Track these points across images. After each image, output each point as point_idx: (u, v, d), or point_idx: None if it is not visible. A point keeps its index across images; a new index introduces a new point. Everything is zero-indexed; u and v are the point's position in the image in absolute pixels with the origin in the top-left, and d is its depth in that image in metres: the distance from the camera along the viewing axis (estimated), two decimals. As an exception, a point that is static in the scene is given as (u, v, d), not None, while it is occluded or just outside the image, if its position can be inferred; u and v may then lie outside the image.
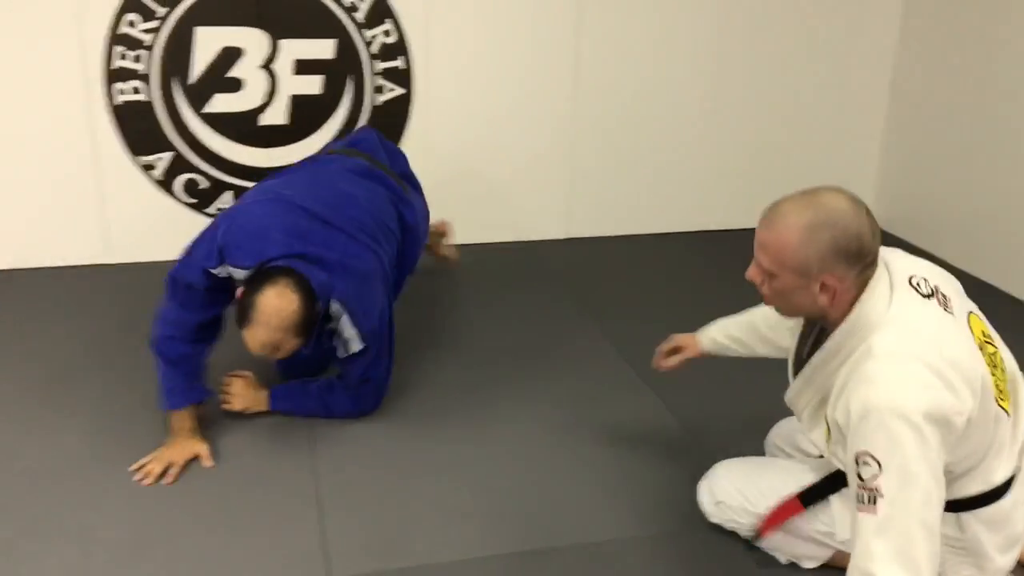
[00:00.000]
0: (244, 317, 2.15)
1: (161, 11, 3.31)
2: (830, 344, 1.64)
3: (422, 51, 3.61)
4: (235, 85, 3.47)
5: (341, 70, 3.55)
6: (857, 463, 1.51)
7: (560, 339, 3.08)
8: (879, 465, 1.48)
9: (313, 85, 3.55)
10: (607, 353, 2.99)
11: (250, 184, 3.57)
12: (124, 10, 3.28)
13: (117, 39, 3.31)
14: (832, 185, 1.63)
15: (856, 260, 1.57)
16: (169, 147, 3.49)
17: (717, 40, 3.90)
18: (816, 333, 1.77)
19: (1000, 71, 3.55)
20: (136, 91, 3.40)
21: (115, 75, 3.36)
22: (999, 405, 1.63)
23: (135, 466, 2.26)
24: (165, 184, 3.53)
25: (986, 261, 3.66)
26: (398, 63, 3.60)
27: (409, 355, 2.84)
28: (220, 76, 3.45)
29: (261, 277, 2.17)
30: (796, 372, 1.79)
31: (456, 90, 3.70)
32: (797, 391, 1.77)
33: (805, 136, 4.15)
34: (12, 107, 3.31)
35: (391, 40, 3.56)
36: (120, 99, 3.39)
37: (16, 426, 2.46)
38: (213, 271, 2.28)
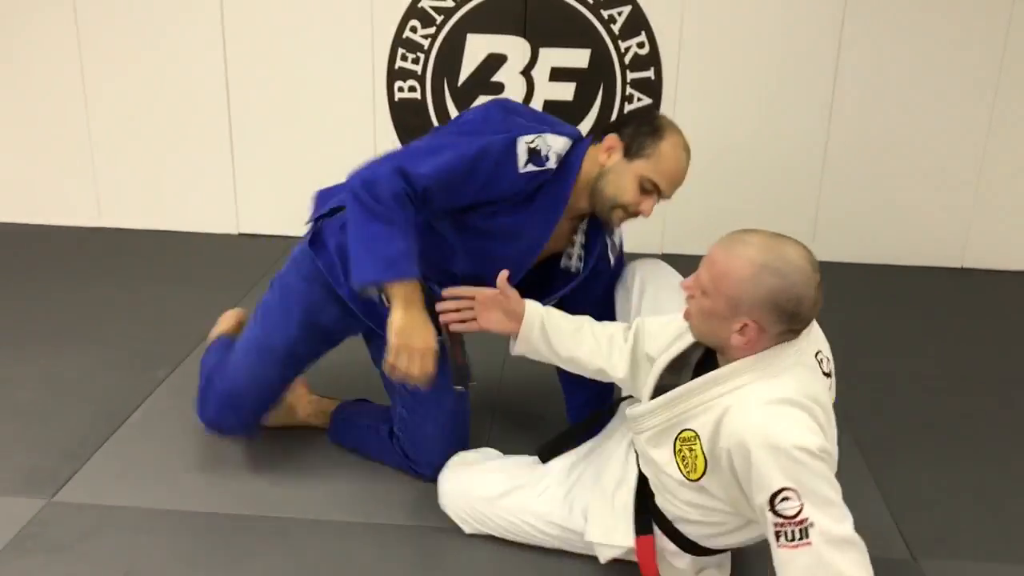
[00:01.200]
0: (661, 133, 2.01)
1: (439, 18, 3.73)
2: (724, 372, 1.62)
3: (673, 63, 3.73)
4: (497, 88, 3.81)
5: (594, 78, 3.77)
6: (774, 501, 1.49)
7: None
8: (799, 498, 1.47)
9: (567, 91, 3.80)
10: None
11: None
12: (408, 16, 3.73)
13: (401, 42, 3.78)
14: (802, 243, 1.61)
15: (786, 320, 1.58)
16: (436, 141, 3.90)
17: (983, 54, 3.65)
18: (698, 360, 1.76)
19: None
20: (412, 89, 3.84)
21: (396, 74, 3.83)
22: None
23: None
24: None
25: None
26: (649, 74, 3.75)
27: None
28: (484, 80, 3.80)
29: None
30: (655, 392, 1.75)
31: (702, 103, 3.77)
32: (654, 409, 1.71)
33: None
34: (313, 96, 3.87)
35: (644, 52, 3.72)
36: (399, 96, 3.86)
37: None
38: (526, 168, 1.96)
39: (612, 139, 2.03)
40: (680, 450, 1.68)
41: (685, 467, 1.67)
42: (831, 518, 1.48)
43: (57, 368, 2.83)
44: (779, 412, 1.53)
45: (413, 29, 3.75)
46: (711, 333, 1.66)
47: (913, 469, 2.42)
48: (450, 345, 1.99)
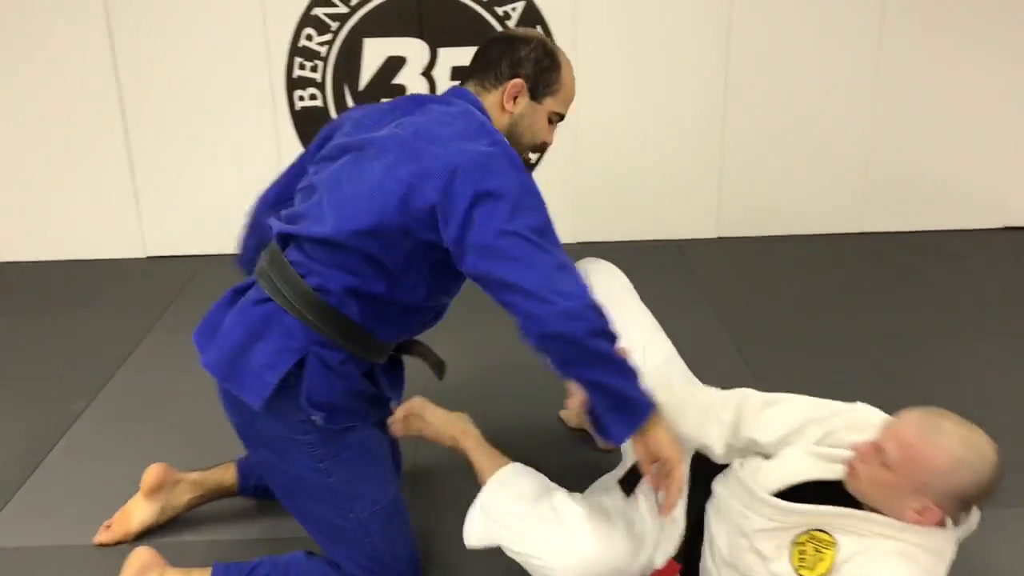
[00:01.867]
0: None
1: (334, 25, 3.70)
2: (895, 524, 1.60)
3: (570, 55, 3.77)
4: (399, 90, 3.80)
5: (494, 75, 3.80)
6: None
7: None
8: None
9: (468, 90, 3.82)
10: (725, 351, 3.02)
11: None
12: (302, 25, 3.70)
13: (297, 51, 3.74)
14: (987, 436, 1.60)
15: (965, 507, 1.60)
16: (341, 147, 3.88)
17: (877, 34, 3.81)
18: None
19: None
20: (313, 97, 3.82)
21: (296, 83, 3.79)
22: None
23: None
24: (337, 181, 3.93)
25: None
26: (548, 67, 3.79)
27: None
28: (386, 83, 3.80)
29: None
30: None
31: (602, 92, 3.83)
32: (804, 511, 1.66)
33: (980, 131, 3.95)
34: (211, 110, 3.81)
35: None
36: (300, 104, 3.83)
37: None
38: None
39: (517, 84, 1.89)
40: (803, 544, 1.64)
41: (801, 562, 1.63)
42: None
43: (-34, 411, 2.74)
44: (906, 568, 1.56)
45: (309, 37, 3.72)
46: (882, 501, 1.62)
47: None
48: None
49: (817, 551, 1.61)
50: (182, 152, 3.87)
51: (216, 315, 1.87)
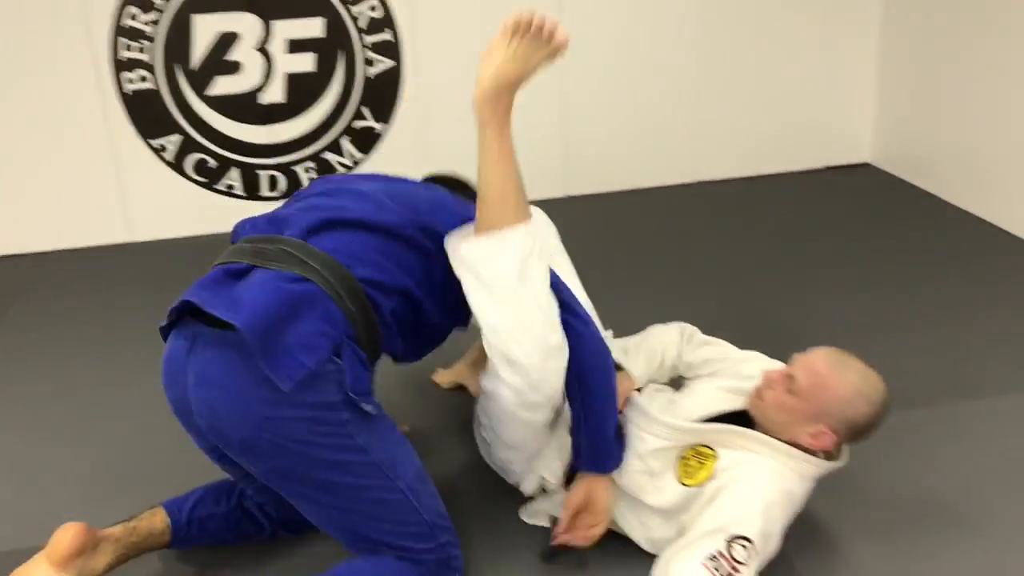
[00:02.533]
0: None
1: (159, 2, 3.56)
2: (779, 446, 1.78)
3: (408, 23, 3.78)
4: (234, 67, 3.70)
5: (332, 46, 3.75)
6: (733, 541, 1.65)
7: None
8: (754, 554, 1.66)
9: (306, 63, 3.76)
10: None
11: (255, 160, 3.83)
12: (125, 3, 3.54)
13: (121, 31, 3.57)
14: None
15: (853, 437, 1.81)
16: (178, 130, 3.74)
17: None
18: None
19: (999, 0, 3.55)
20: (143, 79, 3.66)
21: (123, 65, 3.62)
22: None
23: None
24: (176, 165, 3.79)
25: (985, 200, 3.67)
26: (387, 36, 3.78)
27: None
28: (219, 60, 3.69)
29: None
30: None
31: (445, 57, 3.85)
32: (700, 430, 1.84)
33: (801, 76, 4.19)
34: (31, 99, 3.60)
35: (377, 14, 3.74)
36: (129, 87, 3.66)
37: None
38: None
39: None
40: (688, 458, 1.81)
41: (685, 472, 1.80)
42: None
43: None
44: (782, 499, 1.73)
45: (133, 16, 3.55)
46: (779, 424, 1.81)
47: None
48: None
49: (700, 463, 1.80)
50: (10, 147, 3.64)
51: (222, 286, 1.66)
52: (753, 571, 1.67)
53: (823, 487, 1.86)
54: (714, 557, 1.64)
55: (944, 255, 3.38)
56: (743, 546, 1.65)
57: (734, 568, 1.63)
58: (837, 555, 1.91)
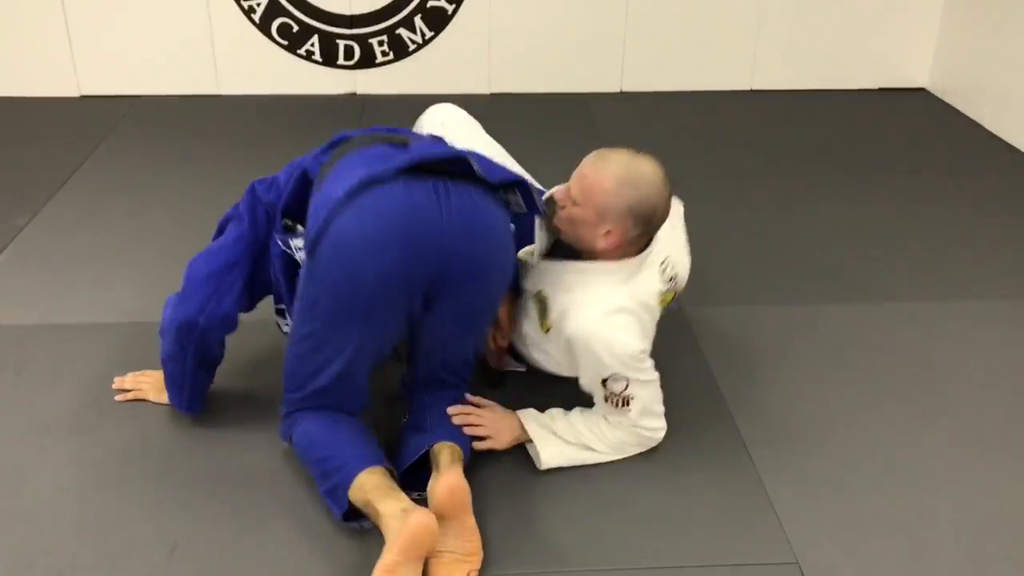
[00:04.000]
0: None
1: None
2: (588, 265, 1.97)
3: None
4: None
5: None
6: (605, 382, 1.92)
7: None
8: (626, 380, 1.90)
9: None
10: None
11: (334, 30, 4.13)
12: None
13: None
14: (653, 157, 1.92)
15: (642, 226, 1.90)
16: (267, -8, 4.08)
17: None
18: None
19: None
20: (240, -58, 3.98)
21: (221, -72, 3.95)
22: None
23: None
24: (263, 26, 4.12)
25: None
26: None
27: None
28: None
29: None
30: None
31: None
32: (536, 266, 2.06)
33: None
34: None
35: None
36: (226, -50, 3.99)
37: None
38: None
39: None
40: (534, 306, 2.04)
41: (540, 318, 2.03)
42: (648, 395, 1.93)
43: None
44: (613, 322, 1.90)
45: None
46: (580, 237, 1.94)
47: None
48: None
49: (541, 311, 2.02)
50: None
51: (409, 152, 1.85)
52: (646, 376, 1.92)
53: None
54: (606, 399, 1.93)
55: (970, 176, 3.53)
56: (615, 379, 1.90)
57: (623, 400, 1.92)
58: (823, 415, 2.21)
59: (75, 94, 4.18)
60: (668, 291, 2.05)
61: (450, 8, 4.13)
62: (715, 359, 2.36)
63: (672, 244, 2.06)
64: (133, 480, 1.93)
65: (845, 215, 3.18)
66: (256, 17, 4.10)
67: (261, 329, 2.27)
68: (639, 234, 1.92)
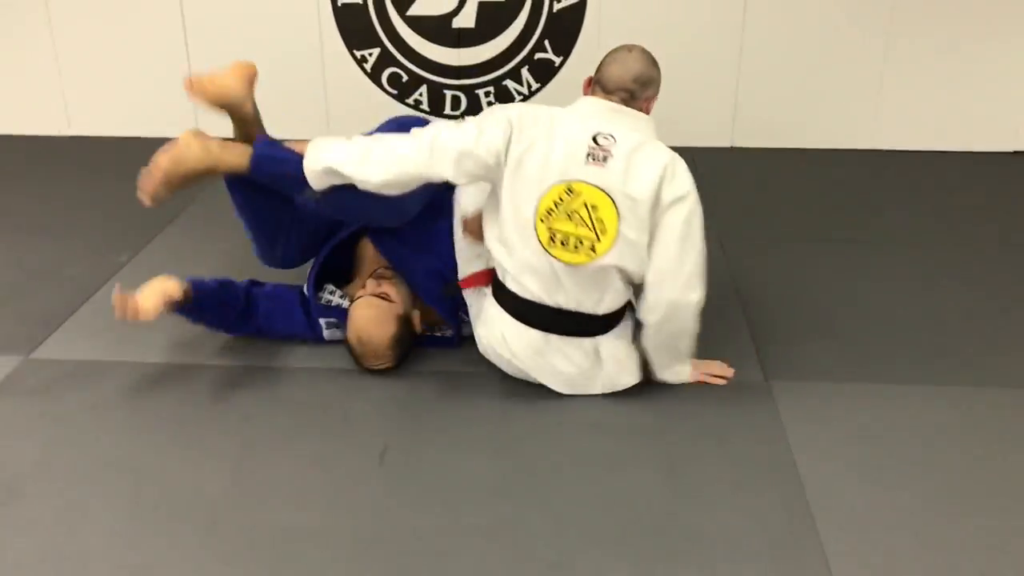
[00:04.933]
0: None
1: (376, -75, 3.95)
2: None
3: (597, -38, 3.98)
4: (434, -12, 4.06)
5: (524, -23, 4.02)
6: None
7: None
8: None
9: (500, -10, 4.05)
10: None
11: (442, 80, 4.17)
12: (346, -76, 3.96)
13: (340, -51, 4.01)
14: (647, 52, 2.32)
15: (597, 81, 2.28)
16: (379, 44, 4.15)
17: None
18: None
19: None
20: (354, -6, 4.09)
21: (338, -20, 4.07)
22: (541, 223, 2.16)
23: None
24: (374, 76, 4.20)
25: None
26: (575, -28, 4.00)
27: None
28: (421, -21, 4.06)
29: None
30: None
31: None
32: None
33: (995, 58, 4.02)
34: (257, 4, 4.12)
35: (569, -48, 3.96)
36: (341, 1, 4.09)
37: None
38: None
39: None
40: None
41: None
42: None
43: (30, 255, 3.14)
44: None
45: (351, -64, 3.97)
46: None
47: (779, 307, 2.78)
48: None
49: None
50: (232, 44, 4.18)
51: None
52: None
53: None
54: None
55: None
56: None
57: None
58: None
59: (194, 136, 4.36)
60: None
61: (557, 60, 4.11)
62: (798, 438, 2.19)
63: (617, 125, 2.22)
64: (183, 530, 1.92)
65: (968, 290, 2.95)
66: (368, 67, 4.19)
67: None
68: (596, 86, 2.28)
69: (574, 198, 2.12)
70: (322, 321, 2.54)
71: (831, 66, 4.08)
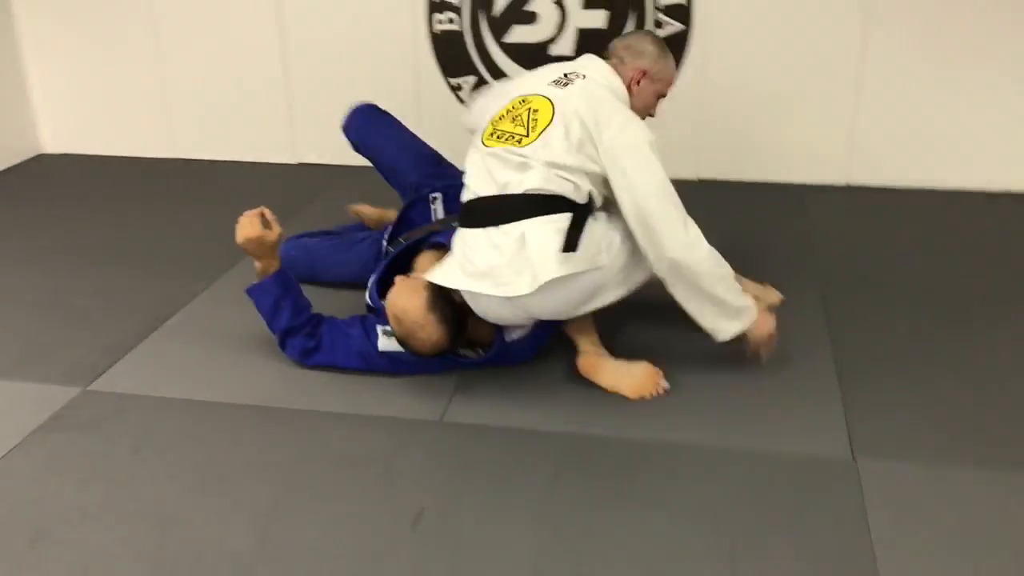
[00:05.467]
0: None
1: (474, -51, 3.86)
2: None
3: (704, -14, 3.76)
4: (531, 18, 3.91)
5: (625, 5, 3.83)
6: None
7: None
8: None
9: (599, 19, 3.87)
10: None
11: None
12: (443, -51, 3.88)
13: (438, -25, 3.93)
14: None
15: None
16: (474, 71, 4.04)
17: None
18: None
19: None
20: (451, 21, 3.99)
21: (435, 6, 3.98)
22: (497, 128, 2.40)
23: None
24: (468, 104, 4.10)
25: None
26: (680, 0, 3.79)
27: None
28: (519, 9, 3.91)
29: None
30: None
31: (736, 28, 3.78)
32: None
33: None
34: (355, 30, 4.09)
35: (675, -24, 3.76)
36: (438, 28, 4.01)
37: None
38: None
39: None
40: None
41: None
42: None
43: (110, 280, 3.17)
44: None
45: (449, -38, 3.89)
46: None
47: (880, 372, 2.49)
48: None
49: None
50: (331, 69, 4.17)
51: None
52: None
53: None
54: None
55: None
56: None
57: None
58: None
59: (292, 161, 4.37)
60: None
61: (659, 90, 3.91)
62: (883, 530, 1.92)
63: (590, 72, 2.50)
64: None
65: None
66: (462, 94, 4.09)
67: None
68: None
69: (523, 106, 2.38)
70: (379, 329, 2.48)
71: (960, 100, 3.73)
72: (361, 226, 3.30)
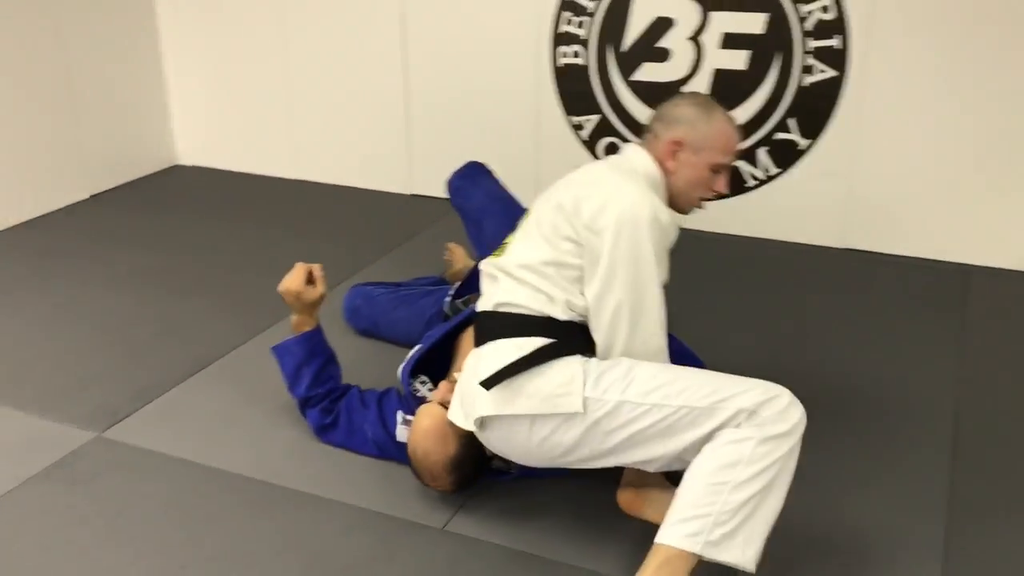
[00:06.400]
0: None
1: (604, -21, 3.51)
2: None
3: (863, 31, 3.22)
4: (663, 55, 3.52)
5: (769, 46, 3.36)
6: None
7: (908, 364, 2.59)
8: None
9: (738, 60, 3.42)
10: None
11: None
12: (573, -22, 3.56)
13: (566, 5, 3.60)
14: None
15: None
16: (597, 110, 3.69)
17: None
18: None
19: None
20: (576, 55, 3.66)
21: (561, 39, 3.66)
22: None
23: None
24: (590, 144, 3.76)
25: None
26: (833, 42, 3.27)
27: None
28: (650, 45, 3.53)
29: None
30: None
31: (897, 77, 3.23)
32: None
33: None
34: (476, 57, 3.84)
35: (829, 17, 3.25)
36: (562, 61, 3.69)
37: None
38: None
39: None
40: None
41: None
42: None
43: (178, 311, 3.06)
44: None
45: (579, -9, 3.56)
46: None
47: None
48: None
49: None
50: (452, 99, 3.94)
51: None
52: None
53: None
54: None
55: None
56: None
57: None
58: None
59: (407, 192, 4.19)
60: None
61: (803, 143, 3.42)
62: None
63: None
64: None
65: None
66: (583, 134, 3.75)
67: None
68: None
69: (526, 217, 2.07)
70: (400, 416, 2.22)
71: None
72: (433, 279, 3.04)
